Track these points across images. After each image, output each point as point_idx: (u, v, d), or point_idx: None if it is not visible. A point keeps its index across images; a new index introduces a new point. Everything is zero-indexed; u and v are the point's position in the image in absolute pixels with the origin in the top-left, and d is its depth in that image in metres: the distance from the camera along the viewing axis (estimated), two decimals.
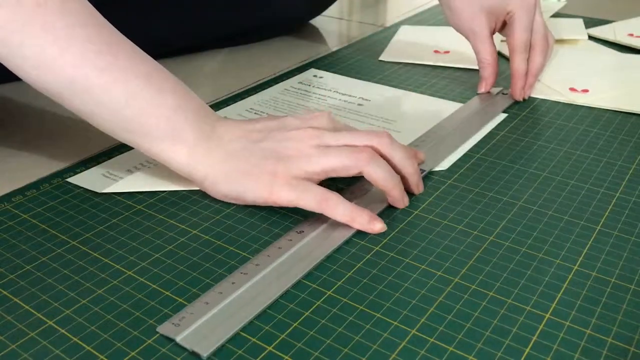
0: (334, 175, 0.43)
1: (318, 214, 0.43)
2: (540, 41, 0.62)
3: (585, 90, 0.65)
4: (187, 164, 0.44)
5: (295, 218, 0.44)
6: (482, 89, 0.64)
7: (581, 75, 0.68)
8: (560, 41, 0.79)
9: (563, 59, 0.73)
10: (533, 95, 0.64)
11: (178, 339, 0.33)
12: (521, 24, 0.60)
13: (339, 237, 0.41)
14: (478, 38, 0.61)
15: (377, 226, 0.42)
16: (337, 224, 0.42)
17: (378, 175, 0.43)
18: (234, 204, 0.45)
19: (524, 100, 0.63)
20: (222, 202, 0.46)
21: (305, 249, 0.40)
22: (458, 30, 0.64)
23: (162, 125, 0.43)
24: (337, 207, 0.42)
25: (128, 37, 0.44)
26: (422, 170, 0.49)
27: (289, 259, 0.39)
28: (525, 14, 0.60)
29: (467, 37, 0.63)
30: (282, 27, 0.83)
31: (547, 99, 0.64)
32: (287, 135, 0.44)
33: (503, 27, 0.63)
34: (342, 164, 0.42)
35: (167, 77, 0.45)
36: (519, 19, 0.60)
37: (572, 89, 0.65)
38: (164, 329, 0.34)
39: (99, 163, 0.51)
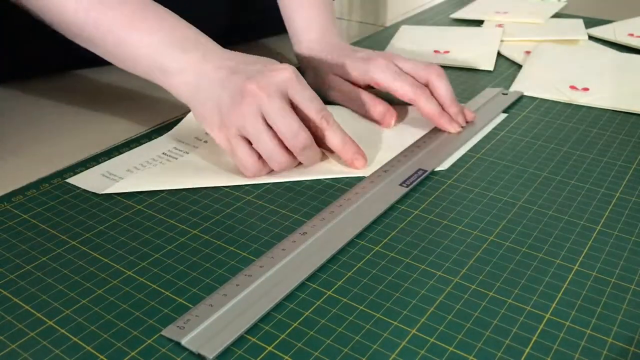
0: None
1: (319, 215, 0.43)
2: (425, 72, 0.56)
3: (586, 89, 0.65)
4: (167, 80, 0.49)
5: (295, 218, 0.44)
6: (387, 125, 0.57)
7: (582, 74, 0.68)
8: (560, 41, 0.79)
9: (564, 57, 0.73)
10: (533, 94, 0.64)
11: (183, 341, 0.33)
12: (388, 82, 0.55)
13: (342, 239, 0.41)
14: (355, 96, 0.58)
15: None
16: (339, 225, 0.42)
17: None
18: (233, 204, 0.45)
19: (468, 123, 0.57)
20: (222, 202, 0.46)
21: (308, 250, 0.40)
22: (325, 97, 0.60)
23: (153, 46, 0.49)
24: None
25: None
26: (423, 171, 0.49)
27: (292, 261, 0.39)
28: (387, 73, 0.56)
29: (350, 104, 0.60)
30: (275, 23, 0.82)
31: (547, 98, 0.64)
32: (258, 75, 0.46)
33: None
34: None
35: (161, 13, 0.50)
36: (385, 80, 0.56)
37: (572, 87, 0.65)
38: (169, 331, 0.34)
39: (98, 163, 0.51)
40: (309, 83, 0.48)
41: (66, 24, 0.50)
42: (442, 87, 0.55)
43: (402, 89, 0.55)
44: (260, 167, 0.48)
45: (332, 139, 0.48)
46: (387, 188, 0.47)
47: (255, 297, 0.36)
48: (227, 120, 0.46)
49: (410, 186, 0.47)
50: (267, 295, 0.36)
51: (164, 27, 0.49)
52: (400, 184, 0.47)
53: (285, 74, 0.46)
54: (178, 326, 0.34)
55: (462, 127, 0.56)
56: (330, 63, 0.60)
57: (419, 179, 0.48)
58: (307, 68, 0.63)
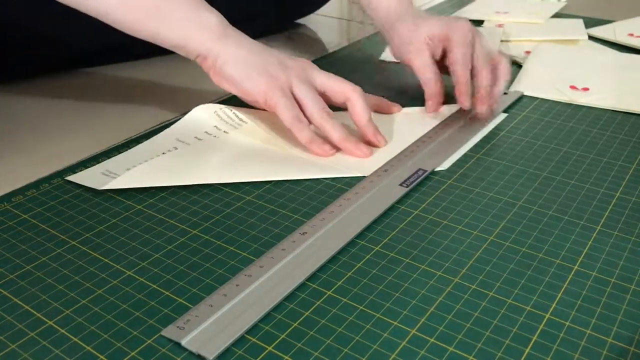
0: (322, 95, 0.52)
1: (319, 215, 0.43)
2: (482, 61, 0.58)
3: (586, 89, 0.65)
4: (204, 44, 0.51)
5: (295, 218, 0.44)
6: (430, 109, 0.60)
7: (582, 74, 0.68)
8: (560, 41, 0.79)
9: (564, 57, 0.73)
10: (533, 94, 0.64)
11: (183, 342, 0.33)
12: (458, 41, 0.58)
13: (342, 239, 0.41)
14: (420, 59, 0.60)
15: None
16: (339, 225, 0.42)
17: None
18: (233, 204, 0.45)
19: (477, 112, 0.58)
20: (222, 202, 0.46)
21: (308, 250, 0.40)
22: (402, 59, 0.62)
23: (186, 9, 0.51)
24: (305, 129, 0.51)
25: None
26: (423, 171, 0.49)
27: (292, 261, 0.39)
28: (462, 36, 0.58)
29: (410, 64, 0.61)
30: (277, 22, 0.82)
31: (548, 98, 0.64)
32: (282, 59, 0.53)
33: (444, 56, 0.61)
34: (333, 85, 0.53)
35: None
36: (456, 39, 0.58)
37: (572, 87, 0.65)
38: (169, 332, 0.34)
39: (98, 162, 0.51)
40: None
41: None
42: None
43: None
44: (300, 114, 0.51)
45: (333, 134, 0.52)
46: (387, 188, 0.47)
47: (254, 297, 0.36)
48: (278, 75, 0.51)
49: (410, 186, 0.47)
50: (266, 296, 0.36)
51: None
52: (400, 184, 0.47)
53: (305, 65, 0.53)
54: (178, 326, 0.34)
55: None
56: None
57: (418, 179, 0.48)
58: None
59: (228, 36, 0.52)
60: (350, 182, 0.48)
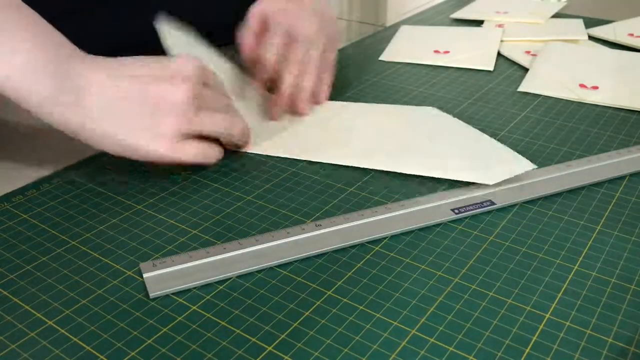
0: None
1: (343, 215, 0.43)
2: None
3: (595, 87, 0.65)
4: (53, 106, 0.42)
5: (295, 218, 0.44)
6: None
7: (591, 73, 0.68)
8: (561, 41, 0.79)
9: (573, 56, 0.73)
10: (542, 93, 0.64)
11: (145, 275, 0.37)
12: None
13: (351, 239, 0.41)
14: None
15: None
16: (357, 228, 0.42)
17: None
18: (234, 204, 0.45)
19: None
20: (222, 202, 0.46)
21: (310, 239, 0.41)
22: None
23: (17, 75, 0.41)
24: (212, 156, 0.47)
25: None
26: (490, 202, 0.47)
27: (289, 243, 0.40)
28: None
29: None
30: None
31: (557, 96, 0.64)
32: (162, 88, 0.44)
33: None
34: (220, 132, 0.47)
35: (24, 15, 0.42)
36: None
37: (582, 86, 0.65)
38: (145, 265, 0.38)
39: (98, 162, 0.50)
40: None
41: None
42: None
43: None
44: (218, 149, 0.48)
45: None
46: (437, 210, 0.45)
47: (234, 261, 0.39)
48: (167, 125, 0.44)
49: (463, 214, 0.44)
50: (245, 262, 0.39)
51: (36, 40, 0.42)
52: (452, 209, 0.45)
53: (187, 67, 0.46)
54: (153, 264, 0.38)
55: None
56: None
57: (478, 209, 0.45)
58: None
59: (82, 86, 0.43)
60: (388, 195, 0.48)
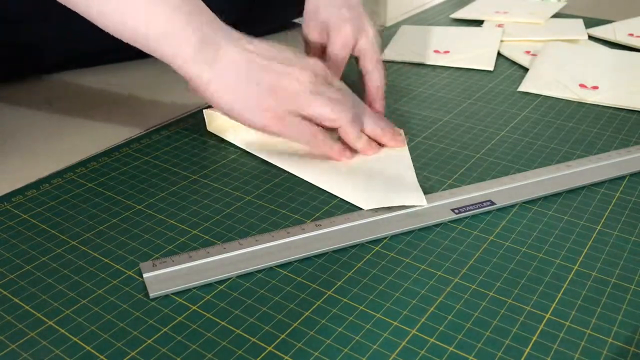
0: (316, 122, 0.48)
1: (344, 215, 0.43)
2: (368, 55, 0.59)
3: (595, 87, 0.65)
4: (193, 63, 0.46)
5: (295, 218, 0.44)
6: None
7: (591, 72, 0.68)
8: (561, 41, 0.79)
9: (573, 56, 0.73)
10: (542, 93, 0.64)
11: (145, 275, 0.37)
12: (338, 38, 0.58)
13: (352, 239, 0.41)
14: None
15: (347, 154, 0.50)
16: (358, 228, 0.42)
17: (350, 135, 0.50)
18: (234, 204, 0.45)
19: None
20: (222, 202, 0.46)
21: (310, 239, 0.41)
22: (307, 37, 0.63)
23: (169, 17, 0.45)
24: (324, 143, 0.49)
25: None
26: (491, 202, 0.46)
27: (288, 243, 0.40)
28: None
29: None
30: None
31: (557, 96, 0.64)
32: (287, 69, 0.48)
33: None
34: (327, 115, 0.48)
35: None
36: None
37: (582, 85, 0.65)
38: (145, 265, 0.38)
39: (98, 163, 0.51)
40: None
41: None
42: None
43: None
44: (317, 132, 0.49)
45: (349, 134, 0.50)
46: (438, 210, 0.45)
47: (233, 261, 0.39)
48: (282, 96, 0.47)
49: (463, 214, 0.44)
50: (244, 263, 0.39)
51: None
52: (452, 209, 0.44)
53: (317, 65, 0.49)
54: (154, 263, 0.38)
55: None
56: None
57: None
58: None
59: (219, 50, 0.46)
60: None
